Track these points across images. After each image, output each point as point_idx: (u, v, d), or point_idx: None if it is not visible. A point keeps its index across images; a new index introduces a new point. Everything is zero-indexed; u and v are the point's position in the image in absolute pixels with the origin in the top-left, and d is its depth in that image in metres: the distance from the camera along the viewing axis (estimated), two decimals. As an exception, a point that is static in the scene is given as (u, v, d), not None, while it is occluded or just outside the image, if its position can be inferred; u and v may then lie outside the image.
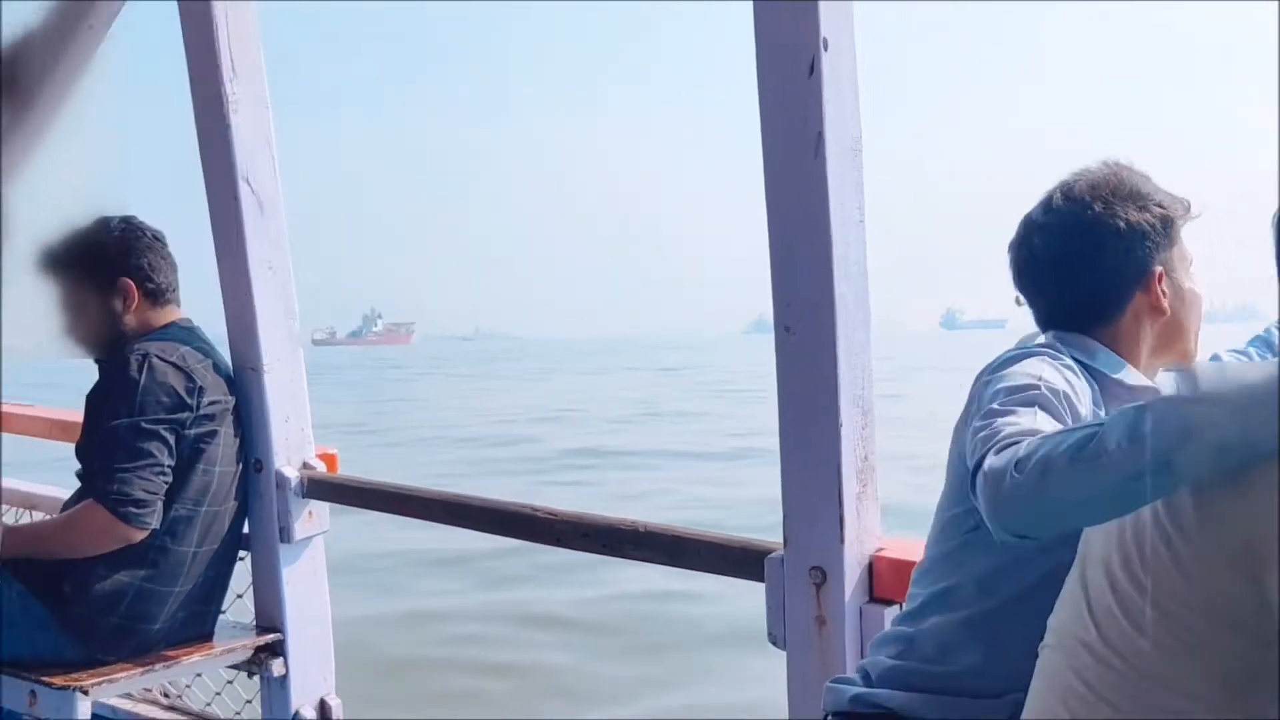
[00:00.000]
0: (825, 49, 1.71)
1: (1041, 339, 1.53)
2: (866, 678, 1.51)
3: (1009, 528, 1.15)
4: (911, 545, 1.83)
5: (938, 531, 1.51)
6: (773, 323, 1.81)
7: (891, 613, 1.78)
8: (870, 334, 1.81)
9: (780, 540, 1.85)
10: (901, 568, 1.77)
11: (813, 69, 1.71)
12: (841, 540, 1.77)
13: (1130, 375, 1.50)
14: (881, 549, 1.82)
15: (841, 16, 1.74)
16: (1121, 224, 1.49)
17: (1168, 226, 1.51)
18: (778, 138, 1.76)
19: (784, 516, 1.83)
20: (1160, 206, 1.51)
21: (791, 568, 1.82)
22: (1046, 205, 1.54)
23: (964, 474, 1.42)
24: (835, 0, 1.73)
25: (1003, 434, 1.21)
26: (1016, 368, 1.40)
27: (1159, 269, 1.51)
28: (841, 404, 1.76)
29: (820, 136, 1.71)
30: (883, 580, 1.80)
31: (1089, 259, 1.51)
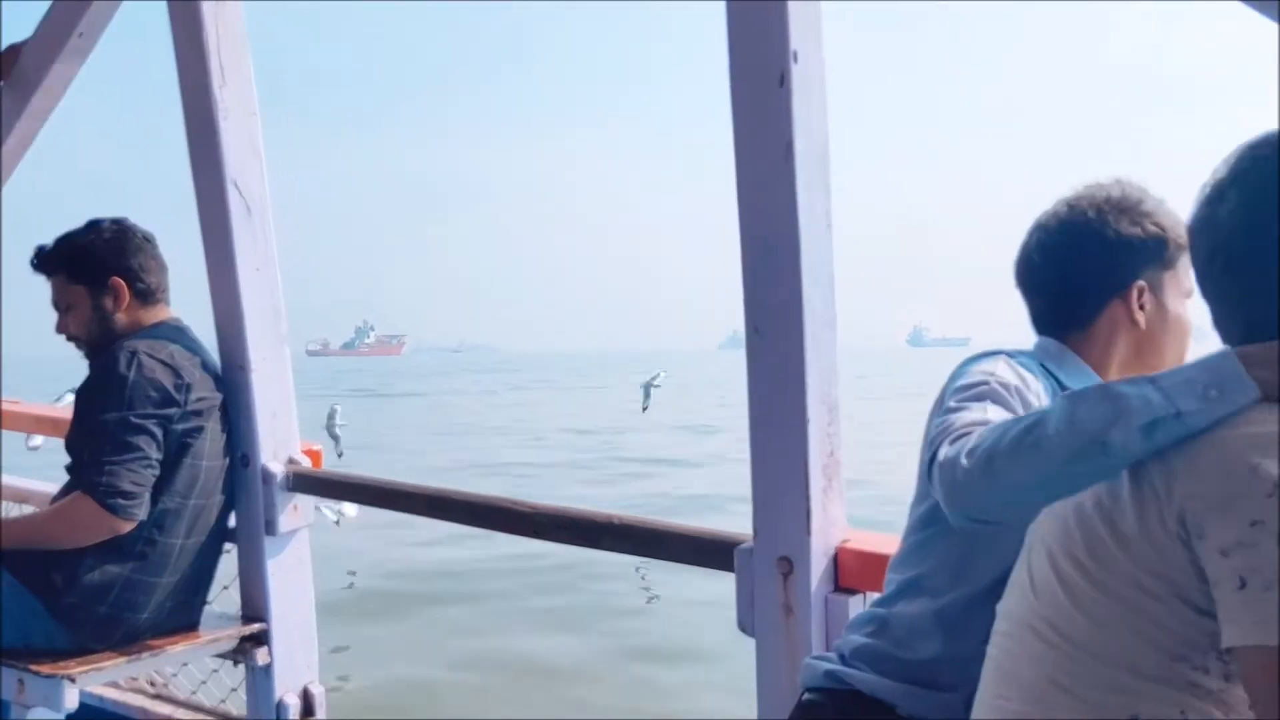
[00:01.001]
0: (795, 61, 1.77)
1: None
2: (842, 657, 1.58)
3: (963, 513, 1.22)
4: (875, 538, 1.90)
5: (910, 523, 1.57)
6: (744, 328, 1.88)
7: (855, 602, 1.85)
8: (836, 335, 1.87)
9: (750, 532, 1.91)
10: (865, 559, 1.84)
11: (783, 80, 1.77)
12: (808, 532, 1.82)
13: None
14: (846, 541, 1.88)
15: (811, 30, 1.81)
16: (1110, 233, 1.52)
17: (1161, 246, 1.53)
18: (749, 146, 1.83)
19: (753, 509, 1.89)
20: (1158, 226, 1.53)
21: (760, 558, 1.88)
22: (1050, 211, 1.59)
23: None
24: (805, 13, 1.80)
25: (955, 426, 1.29)
26: (972, 367, 1.47)
27: (1141, 283, 1.53)
28: (809, 402, 1.82)
29: (790, 145, 1.77)
30: (847, 570, 1.86)
31: (1073, 262, 1.55)
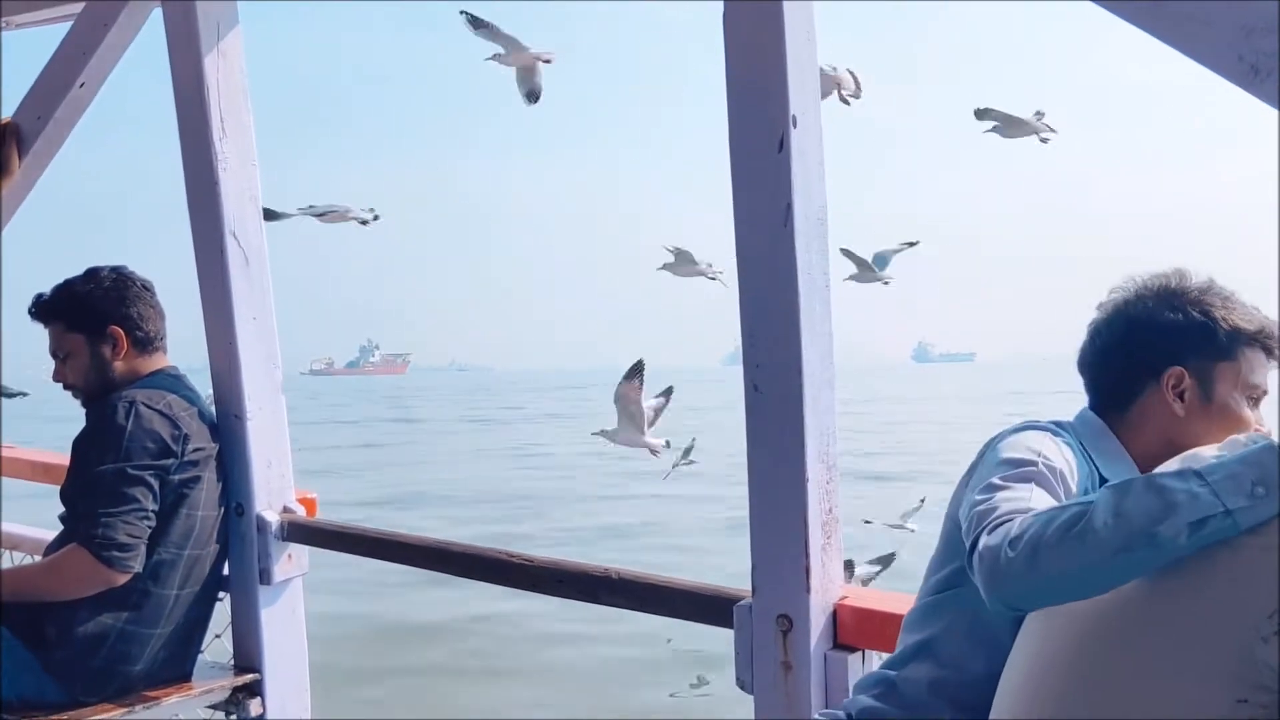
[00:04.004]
0: (794, 126, 1.80)
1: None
2: (849, 717, 1.57)
3: (1006, 602, 1.23)
4: (872, 594, 1.92)
5: (929, 584, 1.56)
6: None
7: (854, 659, 1.86)
8: (834, 394, 1.89)
9: (749, 588, 1.92)
10: (863, 616, 1.85)
11: (782, 145, 1.80)
12: (807, 590, 1.84)
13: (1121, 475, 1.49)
14: (844, 598, 1.89)
15: (810, 96, 1.85)
16: (1146, 317, 1.52)
17: (1209, 333, 1.50)
18: (749, 209, 1.85)
19: (752, 566, 1.90)
20: (1204, 314, 1.51)
21: (759, 615, 1.89)
22: (1107, 297, 1.60)
23: (956, 534, 1.46)
24: (805, 78, 1.83)
25: (997, 512, 1.27)
26: (1019, 438, 1.46)
27: (1178, 369, 1.51)
28: (808, 460, 1.83)
29: (789, 208, 1.80)
30: (845, 628, 1.87)
31: (1114, 346, 1.57)
